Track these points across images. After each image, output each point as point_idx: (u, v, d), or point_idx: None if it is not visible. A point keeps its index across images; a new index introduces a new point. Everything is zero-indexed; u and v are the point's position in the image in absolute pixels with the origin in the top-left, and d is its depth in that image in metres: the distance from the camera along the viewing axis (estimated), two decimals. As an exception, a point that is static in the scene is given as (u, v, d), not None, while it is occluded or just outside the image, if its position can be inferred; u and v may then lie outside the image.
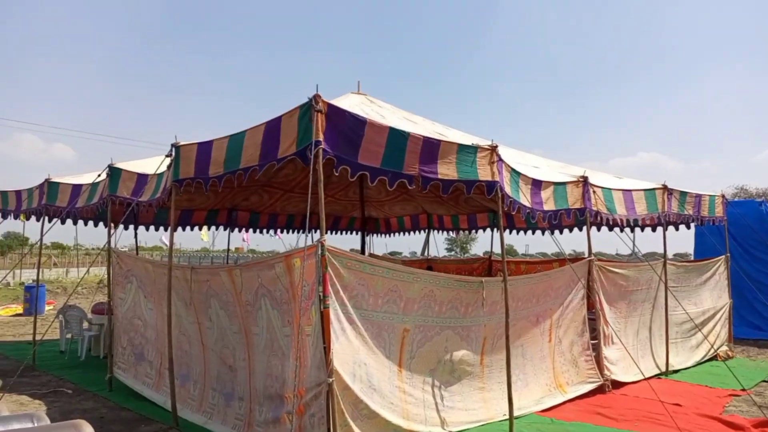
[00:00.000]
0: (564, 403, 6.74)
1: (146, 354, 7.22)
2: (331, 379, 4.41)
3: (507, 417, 5.69)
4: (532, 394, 6.53)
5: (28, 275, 24.22)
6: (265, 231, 12.28)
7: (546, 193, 6.68)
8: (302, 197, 10.33)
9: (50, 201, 8.59)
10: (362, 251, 12.93)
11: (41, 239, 9.47)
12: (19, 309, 16.61)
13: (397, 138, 4.99)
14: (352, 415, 4.67)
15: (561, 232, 10.16)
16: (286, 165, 5.07)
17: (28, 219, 9.85)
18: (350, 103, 6.94)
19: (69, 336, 10.09)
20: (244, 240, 28.11)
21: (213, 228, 11.85)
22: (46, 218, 9.10)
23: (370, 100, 7.89)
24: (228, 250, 13.87)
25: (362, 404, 4.77)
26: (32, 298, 15.29)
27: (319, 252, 4.51)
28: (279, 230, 12.68)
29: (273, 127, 4.96)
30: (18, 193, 9.63)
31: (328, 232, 12.65)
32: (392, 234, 13.68)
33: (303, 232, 12.88)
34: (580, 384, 7.17)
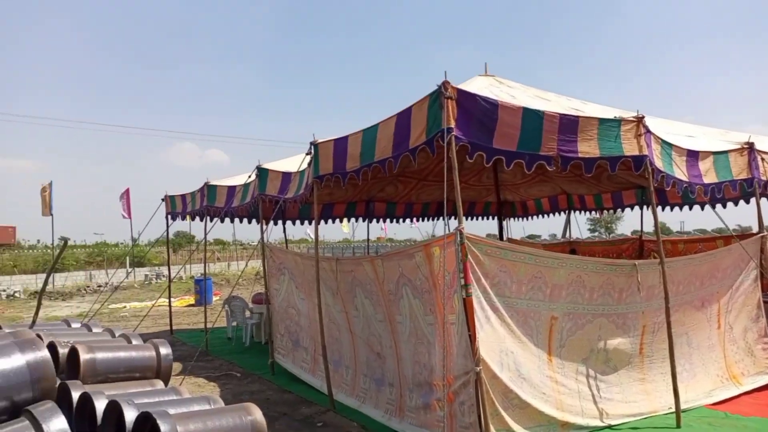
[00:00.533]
0: (739, 395, 6.09)
1: (301, 341, 7.73)
2: (478, 368, 4.38)
3: (673, 410, 5.27)
4: (700, 386, 5.97)
5: (197, 269, 27.08)
6: (401, 220, 12.53)
7: (705, 165, 6.03)
8: (436, 185, 10.35)
9: (210, 202, 9.50)
10: (500, 236, 12.67)
11: (205, 237, 10.52)
12: (191, 300, 18.64)
13: (532, 118, 4.79)
14: (502, 405, 4.61)
15: (724, 206, 9.12)
16: (418, 154, 5.10)
17: (193, 219, 11.01)
18: (478, 86, 6.80)
19: (234, 324, 11.13)
20: (382, 230, 29.00)
21: (353, 219, 12.33)
22: (208, 218, 10.10)
23: (499, 81, 7.66)
24: (368, 240, 14.36)
25: (512, 393, 4.69)
26: (201, 290, 17.10)
27: (459, 240, 4.48)
28: (415, 219, 12.86)
29: (404, 118, 5.01)
30: (183, 197, 10.77)
31: (464, 218, 12.56)
32: (530, 217, 13.23)
33: (439, 220, 12.95)
34: (757, 375, 6.42)
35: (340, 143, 5.90)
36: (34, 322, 4.83)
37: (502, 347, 4.77)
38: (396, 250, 5.72)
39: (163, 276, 29.45)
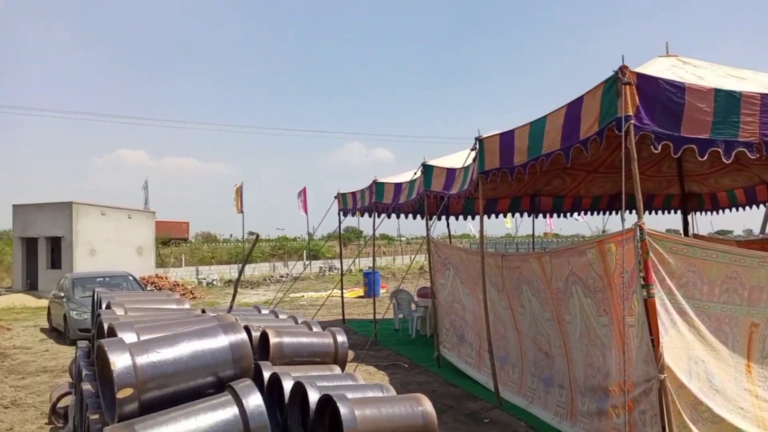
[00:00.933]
0: None
1: (466, 336, 7.75)
2: (662, 376, 4.02)
3: None
4: None
5: (365, 263, 28.49)
6: (568, 215, 11.93)
7: None
8: (608, 177, 9.67)
9: (378, 199, 9.93)
10: (684, 232, 11.46)
11: (374, 232, 11.03)
12: (360, 291, 19.68)
13: (727, 100, 4.23)
14: (691, 418, 4.17)
15: None
16: (590, 145, 4.80)
17: (362, 215, 11.60)
18: (658, 68, 6.18)
19: (401, 316, 11.53)
20: (547, 225, 27.85)
21: (517, 214, 12.03)
22: (376, 214, 10.57)
23: (683, 61, 6.88)
24: (533, 236, 13.91)
25: (702, 406, 4.22)
26: (370, 282, 17.97)
27: (638, 236, 4.14)
28: (583, 213, 12.17)
29: (574, 108, 4.75)
30: (354, 194, 11.39)
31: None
32: (720, 211, 11.75)
33: (611, 215, 12.10)
34: None
35: (506, 137, 5.79)
36: (231, 307, 5.46)
37: (691, 354, 4.31)
38: (565, 247, 5.46)
39: (335, 268, 31.47)
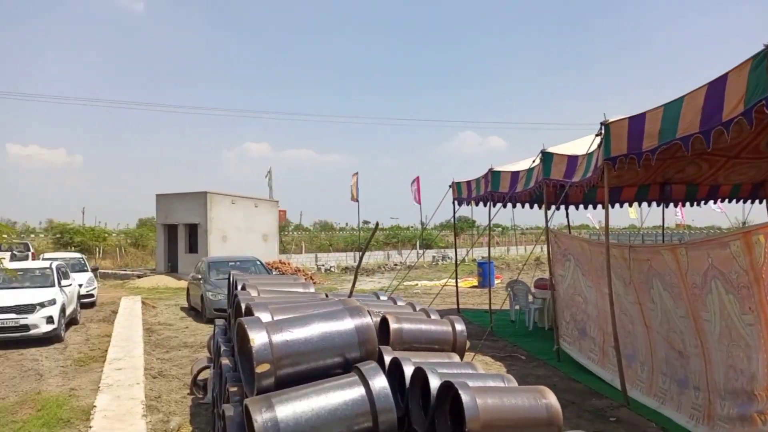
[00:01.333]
0: None
1: (588, 330, 7.42)
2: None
3: None
4: None
5: (477, 253, 28.19)
6: (702, 203, 10.97)
7: None
8: (751, 163, 8.77)
9: (494, 188, 9.75)
10: None
11: (489, 222, 10.88)
12: (474, 282, 19.51)
13: None
14: None
15: None
16: (732, 128, 4.37)
17: (476, 204, 11.46)
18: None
19: (517, 307, 11.29)
20: (677, 215, 25.69)
21: (643, 204, 11.28)
22: (491, 203, 10.40)
23: None
24: (663, 226, 12.97)
25: None
26: (485, 272, 17.78)
27: (793, 227, 3.72)
28: (720, 201, 11.14)
29: (716, 88, 4.35)
30: (468, 183, 11.29)
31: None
32: None
33: (753, 204, 10.96)
34: None
35: (636, 121, 5.43)
36: (351, 293, 5.66)
37: None
38: (704, 238, 5.03)
39: (448, 258, 31.47)
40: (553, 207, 8.28)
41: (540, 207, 10.76)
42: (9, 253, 20.56)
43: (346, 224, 49.26)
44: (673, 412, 5.36)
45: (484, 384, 2.82)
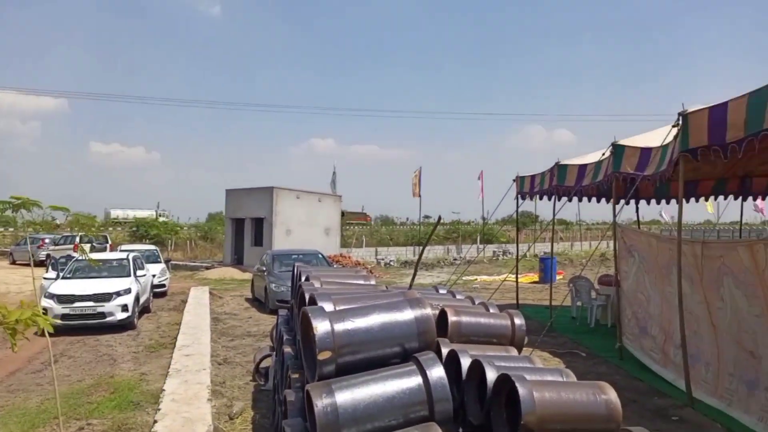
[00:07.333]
0: None
1: (649, 329, 7.17)
2: None
3: None
4: None
5: (540, 248, 27.58)
6: (787, 198, 10.31)
7: None
8: (844, 153, 8.14)
9: (559, 182, 9.51)
10: None
11: (554, 216, 10.65)
12: (535, 277, 19.14)
13: None
14: None
15: None
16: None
17: (540, 198, 11.23)
18: None
19: (579, 304, 11.01)
20: (756, 210, 24.06)
21: (720, 198, 10.71)
22: (556, 197, 10.16)
23: None
24: (741, 222, 12.27)
25: None
26: (546, 268, 17.41)
27: None
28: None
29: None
30: (533, 177, 11.07)
31: None
32: None
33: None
34: None
35: (718, 111, 5.16)
36: (410, 285, 5.71)
37: None
38: (783, 234, 4.76)
39: (509, 253, 30.97)
40: (622, 201, 8.00)
41: (608, 202, 10.43)
42: (89, 245, 21.93)
43: (407, 219, 49.37)
44: (741, 413, 5.14)
45: (542, 378, 2.80)
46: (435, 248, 32.36)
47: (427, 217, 40.36)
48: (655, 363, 6.90)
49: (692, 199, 10.45)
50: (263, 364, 6.69)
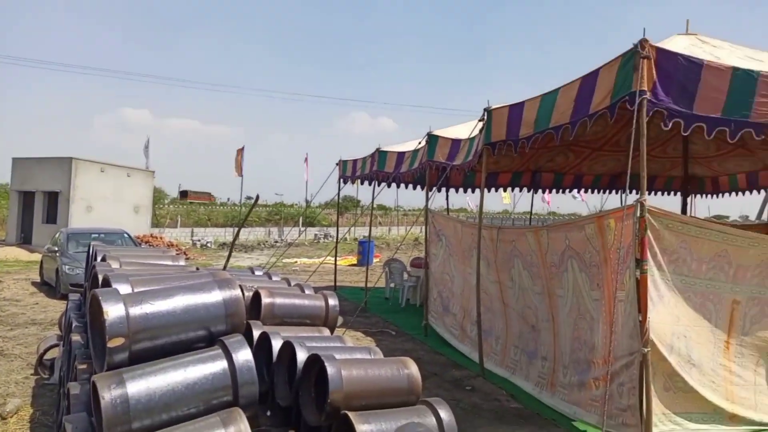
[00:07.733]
0: None
1: (451, 307, 7.84)
2: (646, 350, 4.08)
3: None
4: None
5: (360, 232, 28.50)
6: (567, 191, 11.90)
7: None
8: (612, 156, 9.62)
9: (380, 167, 9.83)
10: (682, 213, 11.46)
11: (372, 201, 11.01)
12: (354, 260, 19.74)
13: (744, 80, 4.11)
14: (664, 386, 4.37)
15: None
16: (596, 121, 4.74)
17: (362, 183, 11.53)
18: (677, 46, 6.05)
19: (392, 285, 11.58)
20: (544, 201, 27.74)
21: (516, 190, 11.98)
22: (376, 182, 10.50)
23: (702, 40, 6.73)
24: (531, 212, 13.90)
25: (678, 377, 4.38)
26: (364, 251, 18.03)
27: (638, 213, 4.13)
28: (582, 191, 12.15)
29: (589, 81, 4.64)
30: (355, 161, 11.30)
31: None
32: (719, 195, 11.73)
33: (610, 193, 12.08)
34: None
35: (516, 109, 5.68)
36: (225, 267, 5.43)
37: (674, 330, 4.42)
38: (564, 222, 5.48)
39: (330, 236, 31.54)
40: (434, 189, 8.52)
41: (423, 189, 11.05)
42: None
43: (228, 199, 47.47)
44: (522, 380, 5.87)
45: (351, 356, 2.84)
46: (256, 230, 31.66)
47: (249, 198, 39.21)
48: (455, 338, 7.53)
49: (493, 189, 11.51)
50: (48, 356, 5.90)
